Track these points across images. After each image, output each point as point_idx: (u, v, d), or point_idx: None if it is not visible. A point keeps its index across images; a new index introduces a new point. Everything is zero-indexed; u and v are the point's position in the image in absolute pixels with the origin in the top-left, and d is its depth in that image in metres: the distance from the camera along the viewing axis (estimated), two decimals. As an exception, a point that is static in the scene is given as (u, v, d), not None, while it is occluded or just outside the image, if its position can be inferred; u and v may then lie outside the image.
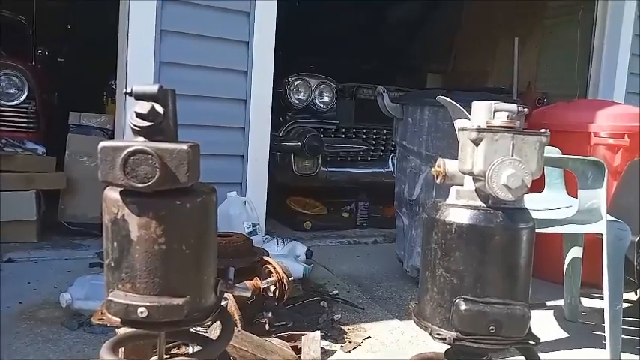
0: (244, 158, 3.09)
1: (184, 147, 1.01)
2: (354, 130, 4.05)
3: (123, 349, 1.28)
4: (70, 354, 1.71)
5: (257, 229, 2.85)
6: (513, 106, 1.25)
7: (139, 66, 2.75)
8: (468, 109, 1.36)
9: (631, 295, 2.49)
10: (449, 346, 1.28)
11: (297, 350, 1.77)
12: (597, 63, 4.25)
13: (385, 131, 4.05)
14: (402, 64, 6.08)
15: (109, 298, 1.01)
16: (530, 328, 1.22)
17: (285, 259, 2.44)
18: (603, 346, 1.88)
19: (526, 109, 1.30)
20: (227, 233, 2.25)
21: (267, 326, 1.89)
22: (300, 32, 4.86)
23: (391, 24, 6.36)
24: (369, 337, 2.01)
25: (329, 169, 3.89)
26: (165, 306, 1.00)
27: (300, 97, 3.76)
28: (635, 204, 2.13)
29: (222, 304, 1.17)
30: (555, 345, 2.08)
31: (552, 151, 2.28)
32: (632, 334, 2.15)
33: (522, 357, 1.36)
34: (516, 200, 1.20)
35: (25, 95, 3.36)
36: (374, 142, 4.12)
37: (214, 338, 1.26)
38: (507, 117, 1.24)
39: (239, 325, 1.73)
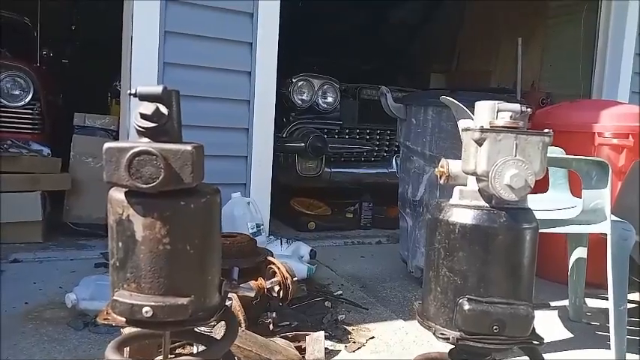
0: (248, 159, 3.09)
1: (188, 147, 1.01)
2: (358, 131, 4.06)
3: (128, 348, 1.29)
4: (76, 354, 1.72)
5: (261, 230, 2.86)
6: (516, 106, 1.25)
7: (143, 67, 2.76)
8: (472, 109, 1.36)
9: (636, 296, 2.48)
10: (453, 346, 1.28)
11: (302, 350, 1.77)
12: (601, 63, 4.24)
13: (389, 132, 4.05)
14: (405, 64, 6.09)
15: (114, 297, 1.02)
16: (534, 328, 1.22)
17: (289, 259, 2.44)
18: (608, 347, 1.87)
19: (529, 109, 1.30)
20: (231, 234, 2.25)
21: (271, 326, 1.89)
22: (304, 33, 4.87)
23: (394, 24, 6.37)
24: (373, 337, 2.01)
25: (332, 170, 3.90)
26: (170, 306, 1.01)
27: (303, 97, 3.77)
28: (639, 204, 2.13)
29: (226, 304, 1.18)
30: (560, 345, 2.08)
31: (556, 152, 2.28)
32: (637, 334, 2.14)
33: (526, 357, 1.36)
34: (519, 200, 1.20)
35: (30, 96, 3.37)
36: (377, 143, 4.12)
37: (219, 338, 1.27)
38: (510, 117, 1.24)
39: (243, 325, 1.73)
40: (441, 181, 1.35)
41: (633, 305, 2.39)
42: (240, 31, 3.01)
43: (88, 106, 3.64)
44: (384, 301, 2.44)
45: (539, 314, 1.21)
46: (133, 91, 1.04)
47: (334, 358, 1.82)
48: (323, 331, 1.87)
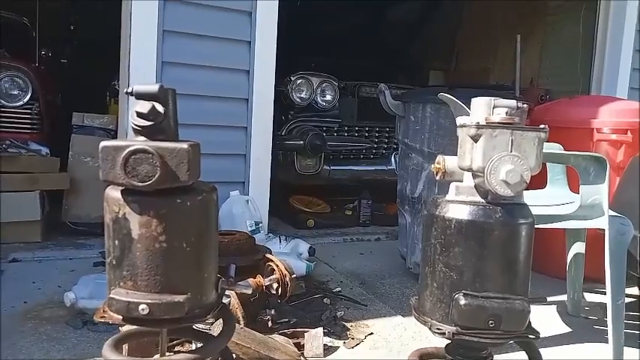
0: (247, 157, 3.10)
1: (185, 146, 1.02)
2: (357, 128, 4.06)
3: (127, 346, 1.29)
4: (75, 352, 1.72)
5: (260, 228, 2.86)
6: (512, 102, 1.26)
7: (141, 66, 2.77)
8: (470, 106, 1.36)
9: (634, 290, 2.49)
10: (449, 341, 1.28)
11: (300, 347, 1.78)
12: (600, 59, 4.24)
13: (387, 129, 4.05)
14: (404, 63, 6.08)
15: (111, 295, 1.02)
16: (530, 322, 1.23)
17: (287, 256, 2.45)
18: (606, 341, 1.88)
19: (525, 105, 1.30)
20: (230, 231, 2.26)
21: (270, 323, 1.90)
22: (302, 31, 4.86)
23: (393, 23, 6.36)
24: (372, 333, 2.02)
25: (331, 167, 3.90)
26: (167, 303, 1.01)
27: (302, 95, 3.77)
28: (637, 199, 2.13)
29: (224, 301, 1.18)
30: (558, 340, 2.08)
31: (554, 147, 2.28)
32: (635, 328, 2.15)
33: (522, 352, 1.37)
34: (515, 196, 1.21)
35: (28, 96, 3.38)
36: (376, 140, 4.12)
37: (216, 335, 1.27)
38: (506, 113, 1.24)
39: (242, 322, 1.74)
40: (437, 177, 1.36)
41: (631, 299, 2.39)
42: (239, 30, 3.01)
43: (86, 105, 3.64)
44: (382, 297, 2.45)
45: (537, 309, 1.22)
46: (129, 90, 1.04)
47: (333, 354, 1.83)
48: (322, 328, 1.87)
